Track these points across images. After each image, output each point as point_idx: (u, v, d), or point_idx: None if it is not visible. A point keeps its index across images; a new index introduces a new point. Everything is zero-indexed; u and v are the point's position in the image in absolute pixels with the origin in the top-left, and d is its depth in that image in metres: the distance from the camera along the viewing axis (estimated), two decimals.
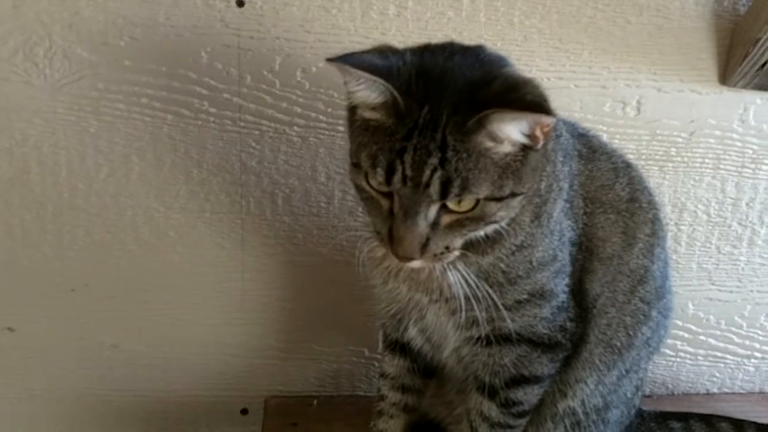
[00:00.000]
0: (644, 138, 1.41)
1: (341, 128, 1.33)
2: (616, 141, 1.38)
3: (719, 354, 1.59)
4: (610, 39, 1.35)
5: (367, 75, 0.83)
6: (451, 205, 0.85)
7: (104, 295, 1.41)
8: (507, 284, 0.99)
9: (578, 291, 1.06)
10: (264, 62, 1.30)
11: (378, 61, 0.86)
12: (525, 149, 0.86)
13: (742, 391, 1.62)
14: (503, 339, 1.03)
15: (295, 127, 1.34)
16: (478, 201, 0.85)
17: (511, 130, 0.84)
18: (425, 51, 0.90)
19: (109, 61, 1.27)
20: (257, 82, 1.31)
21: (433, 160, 0.82)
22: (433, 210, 0.85)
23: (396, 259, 0.89)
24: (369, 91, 0.85)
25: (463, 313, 0.99)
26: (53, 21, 1.24)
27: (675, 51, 1.37)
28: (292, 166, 1.36)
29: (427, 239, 0.86)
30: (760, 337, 1.58)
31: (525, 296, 1.00)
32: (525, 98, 0.83)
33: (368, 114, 0.87)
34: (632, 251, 1.09)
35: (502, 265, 0.97)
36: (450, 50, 0.91)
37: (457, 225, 0.87)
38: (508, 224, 0.94)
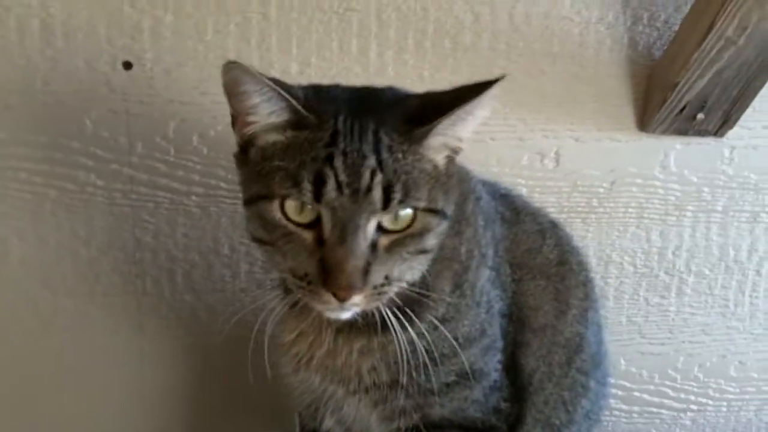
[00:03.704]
0: (565, 190, 1.37)
1: None
2: (536, 195, 1.35)
3: (654, 410, 1.54)
4: (524, 90, 1.32)
5: (271, 85, 0.78)
6: (387, 223, 0.79)
7: None
8: (431, 365, 0.90)
9: (512, 367, 1.00)
10: (156, 128, 1.24)
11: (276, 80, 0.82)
12: (448, 159, 0.85)
13: None
14: (432, 427, 0.96)
15: (194, 197, 1.28)
16: (415, 215, 0.80)
17: (462, 129, 0.82)
18: (314, 85, 0.89)
19: None
20: (149, 149, 1.25)
21: (371, 162, 0.77)
22: (373, 225, 0.78)
23: (332, 299, 0.78)
24: (273, 104, 0.80)
25: (388, 403, 0.92)
26: None
27: (591, 99, 1.34)
28: (191, 239, 1.30)
29: (368, 264, 0.78)
30: (695, 389, 1.54)
31: (453, 378, 0.93)
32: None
33: (273, 137, 0.82)
34: (566, 319, 1.04)
35: (424, 343, 0.89)
36: (340, 85, 0.90)
37: (396, 246, 0.80)
38: (428, 289, 0.88)
